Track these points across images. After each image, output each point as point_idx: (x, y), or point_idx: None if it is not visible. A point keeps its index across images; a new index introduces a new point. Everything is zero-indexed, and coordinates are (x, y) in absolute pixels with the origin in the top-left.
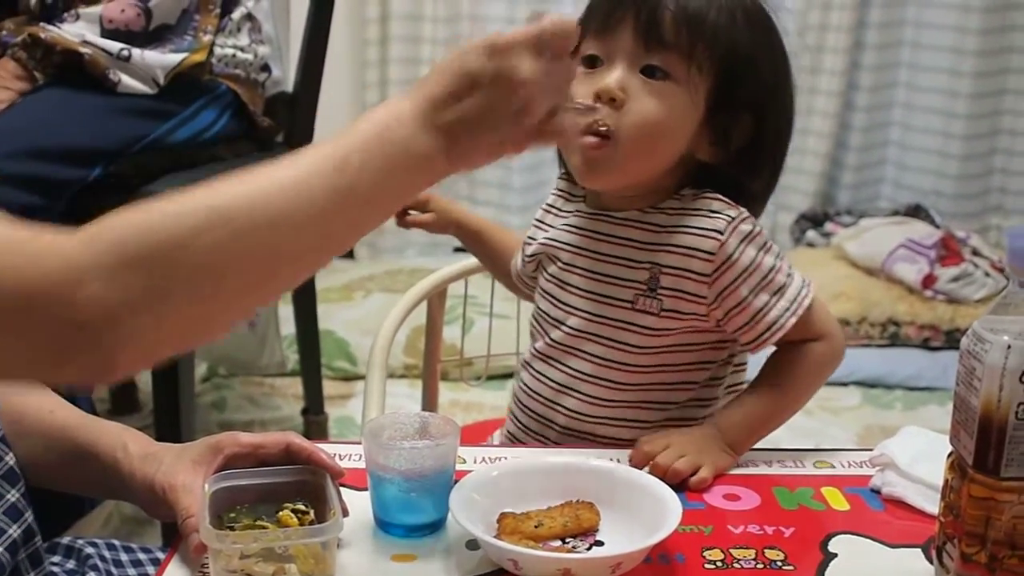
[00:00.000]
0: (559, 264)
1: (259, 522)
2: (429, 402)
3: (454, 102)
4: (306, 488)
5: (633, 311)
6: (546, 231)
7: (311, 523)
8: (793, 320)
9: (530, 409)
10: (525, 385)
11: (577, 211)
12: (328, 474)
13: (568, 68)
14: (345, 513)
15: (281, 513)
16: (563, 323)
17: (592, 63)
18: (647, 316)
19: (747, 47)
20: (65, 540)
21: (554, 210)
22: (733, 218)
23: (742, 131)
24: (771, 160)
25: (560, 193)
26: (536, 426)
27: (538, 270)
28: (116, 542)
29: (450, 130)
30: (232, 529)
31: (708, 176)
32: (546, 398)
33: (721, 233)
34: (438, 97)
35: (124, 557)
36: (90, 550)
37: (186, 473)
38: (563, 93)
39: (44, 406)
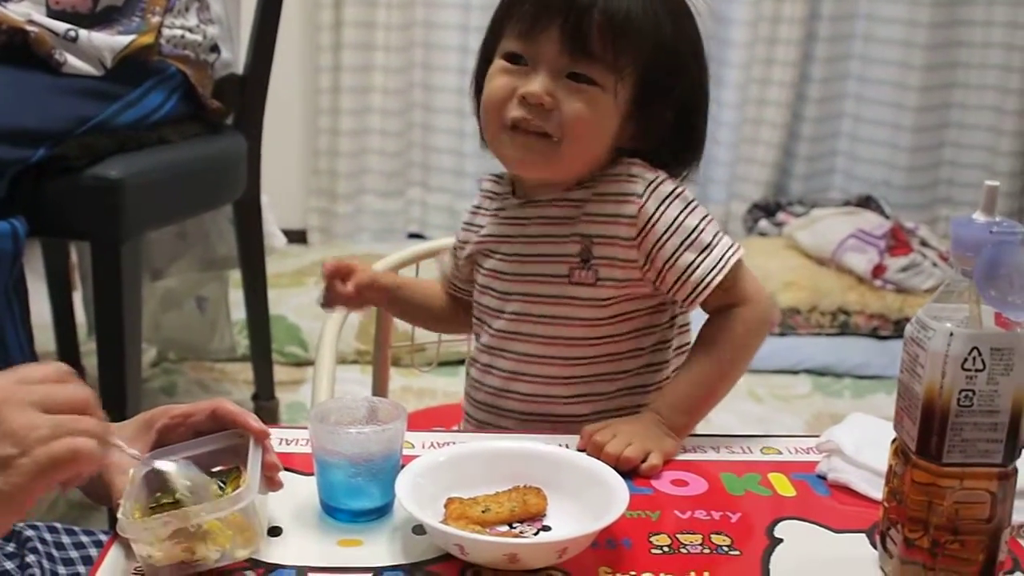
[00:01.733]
0: (495, 257)
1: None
2: (379, 388)
3: None
4: (236, 452)
5: (570, 284)
6: (477, 231)
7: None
8: (719, 277)
9: (482, 403)
10: (475, 380)
11: (505, 205)
12: (252, 438)
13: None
14: (275, 469)
15: None
16: (503, 311)
17: (514, 60)
18: (584, 287)
19: (669, 44)
20: None
21: (481, 211)
22: (651, 181)
23: (663, 122)
24: (693, 142)
25: (485, 193)
26: (491, 417)
27: (474, 270)
28: (58, 525)
29: None
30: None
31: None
32: (497, 388)
33: (640, 196)
34: None
35: (66, 540)
36: (30, 532)
37: (120, 453)
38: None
39: None
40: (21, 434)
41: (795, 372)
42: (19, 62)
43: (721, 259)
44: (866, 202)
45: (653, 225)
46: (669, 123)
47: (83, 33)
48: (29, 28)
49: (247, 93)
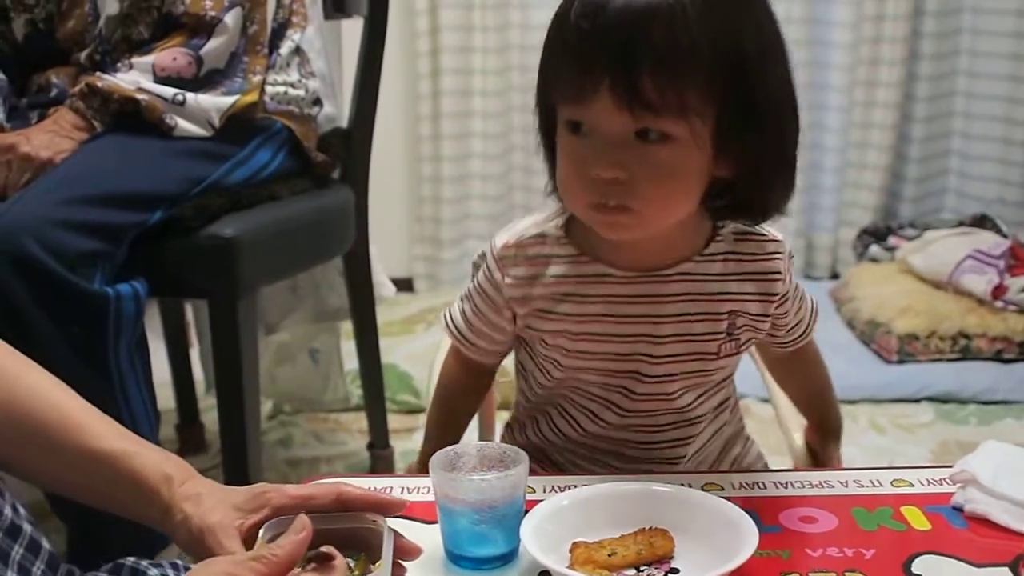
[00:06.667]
0: (599, 339)
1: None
2: (485, 430)
3: None
4: (363, 535)
5: (718, 359)
6: (560, 300)
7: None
8: (814, 327)
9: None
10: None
11: (604, 277)
12: (386, 521)
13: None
14: (414, 554)
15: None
16: (623, 391)
17: (576, 128)
18: (727, 359)
19: (739, 53)
20: (128, 561)
21: (540, 282)
22: (783, 253)
23: (761, 141)
24: (785, 162)
25: (532, 260)
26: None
27: (538, 352)
28: (179, 562)
29: None
30: None
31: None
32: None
33: (781, 274)
34: None
35: None
36: (154, 572)
37: (225, 515)
38: None
39: (70, 423)
40: None
41: (916, 400)
42: (132, 129)
43: (812, 310)
44: (981, 221)
45: (787, 295)
46: (766, 139)
47: (190, 96)
48: (139, 96)
49: (352, 146)
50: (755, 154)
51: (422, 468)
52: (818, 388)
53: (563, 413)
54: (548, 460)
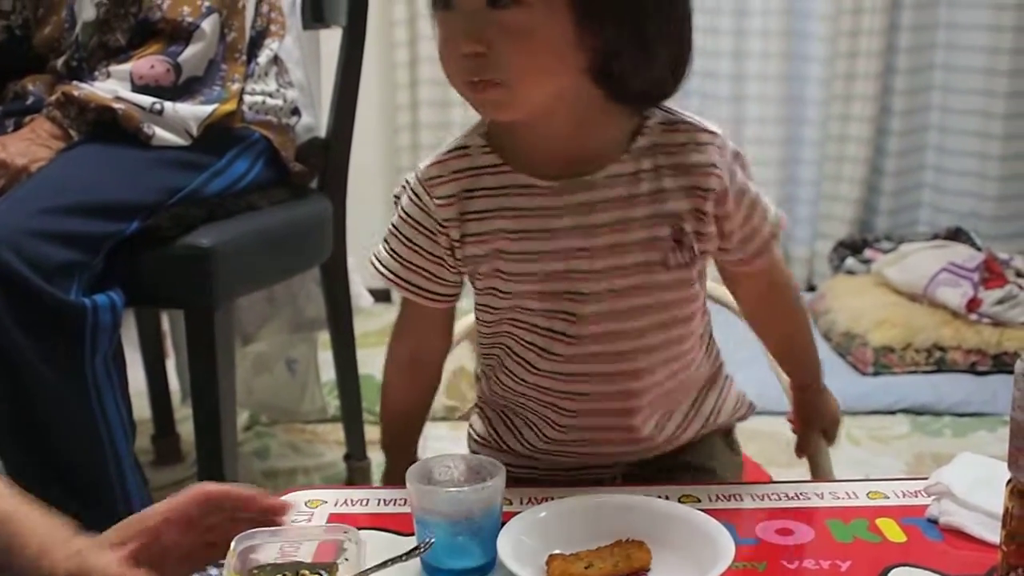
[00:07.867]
0: (530, 258)
1: None
2: None
3: None
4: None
5: (668, 271)
6: (490, 217)
7: None
8: (776, 244)
9: (528, 454)
10: (556, 413)
11: (530, 188)
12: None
13: None
14: (282, 511)
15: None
16: (577, 313)
17: (447, 3)
18: (685, 270)
19: None
20: None
21: (483, 192)
22: (720, 145)
23: (622, 20)
24: (666, 42)
25: (450, 178)
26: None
27: (475, 282)
28: None
29: None
30: None
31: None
32: (558, 430)
33: (715, 166)
34: None
35: None
36: None
37: (101, 554)
38: None
39: None
40: None
41: (892, 412)
42: (110, 138)
43: (774, 214)
44: (956, 235)
45: (728, 192)
46: (629, 22)
47: (168, 105)
48: (116, 106)
49: (330, 156)
50: (622, 20)
51: (387, 483)
52: (799, 341)
53: (511, 354)
54: (511, 415)
